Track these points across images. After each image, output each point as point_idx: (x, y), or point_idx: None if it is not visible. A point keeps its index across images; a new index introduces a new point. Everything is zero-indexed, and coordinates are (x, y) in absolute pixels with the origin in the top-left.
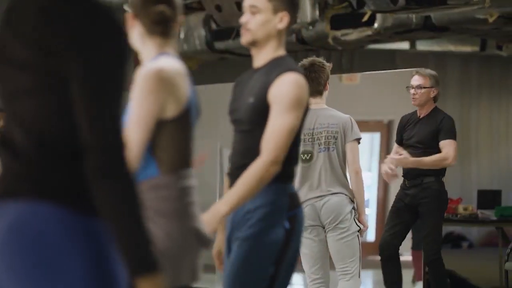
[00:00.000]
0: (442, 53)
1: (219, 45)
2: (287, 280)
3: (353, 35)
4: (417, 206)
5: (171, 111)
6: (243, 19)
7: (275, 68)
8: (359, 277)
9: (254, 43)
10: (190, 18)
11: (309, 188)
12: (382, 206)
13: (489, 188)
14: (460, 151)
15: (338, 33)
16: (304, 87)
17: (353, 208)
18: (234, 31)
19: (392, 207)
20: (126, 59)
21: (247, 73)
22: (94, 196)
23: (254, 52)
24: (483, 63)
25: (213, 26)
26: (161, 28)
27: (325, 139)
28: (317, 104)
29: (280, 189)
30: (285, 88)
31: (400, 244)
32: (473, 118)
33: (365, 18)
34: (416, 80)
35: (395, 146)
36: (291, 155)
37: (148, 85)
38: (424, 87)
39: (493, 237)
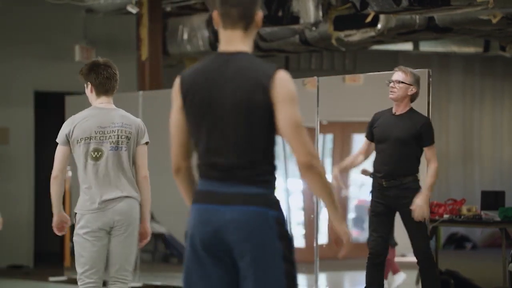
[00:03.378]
0: (445, 54)
1: None
2: None
3: (356, 36)
4: (397, 207)
5: None
6: None
7: None
8: None
9: None
10: (193, 19)
11: (101, 188)
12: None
13: (492, 189)
14: (463, 152)
15: (342, 34)
16: None
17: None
18: None
19: (372, 211)
20: None
21: None
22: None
23: None
24: (486, 64)
25: None
26: None
27: (117, 137)
28: (109, 104)
29: None
30: None
31: (388, 247)
32: (476, 119)
33: (369, 19)
34: (396, 75)
35: (364, 141)
36: None
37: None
38: (403, 82)
39: (496, 238)
